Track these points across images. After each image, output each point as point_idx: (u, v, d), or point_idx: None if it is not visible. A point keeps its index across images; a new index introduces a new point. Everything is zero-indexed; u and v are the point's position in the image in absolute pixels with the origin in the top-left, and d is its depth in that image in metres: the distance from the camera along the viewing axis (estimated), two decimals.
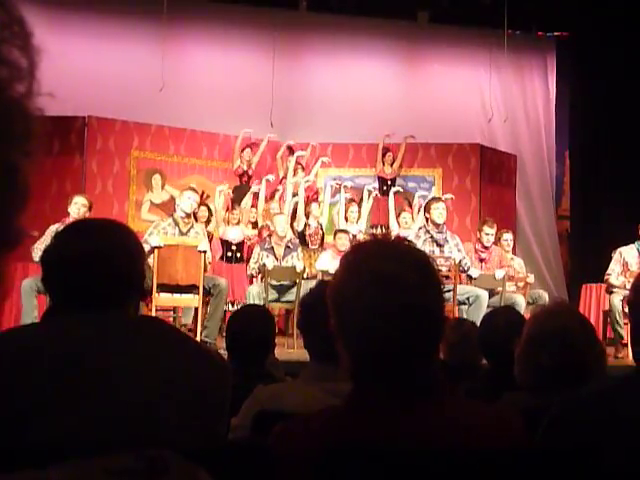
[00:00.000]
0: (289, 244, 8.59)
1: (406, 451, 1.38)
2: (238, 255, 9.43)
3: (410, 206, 10.53)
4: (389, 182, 10.94)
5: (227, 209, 9.65)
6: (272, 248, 8.49)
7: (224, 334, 3.82)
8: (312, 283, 8.61)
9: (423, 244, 7.83)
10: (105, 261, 1.73)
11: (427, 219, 8.05)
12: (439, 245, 7.93)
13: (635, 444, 1.47)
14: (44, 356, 1.58)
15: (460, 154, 11.31)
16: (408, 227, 9.51)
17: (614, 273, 8.23)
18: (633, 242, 8.23)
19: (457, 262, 7.84)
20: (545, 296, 8.63)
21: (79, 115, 10.16)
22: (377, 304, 1.44)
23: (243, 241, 9.49)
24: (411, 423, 1.43)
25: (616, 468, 1.46)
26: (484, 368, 3.72)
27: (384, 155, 11.00)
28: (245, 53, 11.84)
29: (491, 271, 8.29)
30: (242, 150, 10.81)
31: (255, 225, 10.09)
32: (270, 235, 8.88)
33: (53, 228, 7.09)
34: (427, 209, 8.10)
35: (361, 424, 1.43)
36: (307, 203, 9.90)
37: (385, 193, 10.72)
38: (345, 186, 10.58)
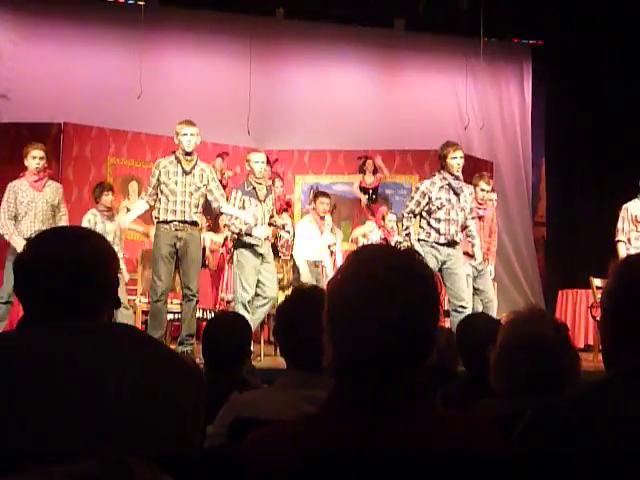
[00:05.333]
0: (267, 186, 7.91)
1: (380, 458, 1.37)
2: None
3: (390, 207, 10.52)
4: (371, 191, 10.95)
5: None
6: (254, 189, 7.63)
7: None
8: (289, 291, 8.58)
9: (439, 191, 7.26)
10: (79, 269, 1.71)
11: (443, 167, 7.37)
12: (456, 193, 7.28)
13: (609, 449, 1.48)
14: (16, 364, 1.57)
15: (437, 161, 11.31)
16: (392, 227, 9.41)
17: (622, 233, 7.91)
18: (636, 197, 7.91)
19: (463, 222, 7.33)
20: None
21: (55, 122, 10.11)
22: (371, 310, 1.43)
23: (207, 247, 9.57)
24: (387, 430, 1.43)
25: (590, 473, 1.47)
26: (461, 374, 3.73)
27: (363, 164, 10.98)
28: (222, 61, 11.81)
29: (486, 230, 8.17)
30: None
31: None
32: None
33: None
34: (444, 157, 7.34)
35: (335, 430, 1.43)
36: (278, 213, 9.82)
37: (372, 201, 10.76)
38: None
